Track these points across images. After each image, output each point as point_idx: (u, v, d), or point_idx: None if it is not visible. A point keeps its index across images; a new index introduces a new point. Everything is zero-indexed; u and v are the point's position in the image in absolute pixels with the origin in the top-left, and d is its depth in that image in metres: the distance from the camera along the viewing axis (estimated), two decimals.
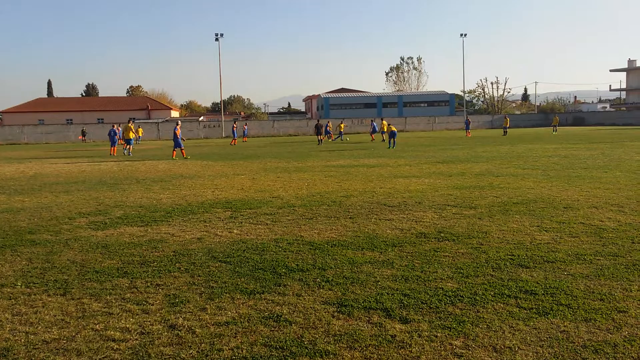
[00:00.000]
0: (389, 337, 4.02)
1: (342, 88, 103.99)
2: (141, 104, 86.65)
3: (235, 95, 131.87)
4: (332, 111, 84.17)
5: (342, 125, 45.23)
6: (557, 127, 51.37)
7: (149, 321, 4.45)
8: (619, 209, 8.87)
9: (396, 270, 5.74)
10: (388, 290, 5.08)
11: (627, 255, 6.08)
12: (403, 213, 9.06)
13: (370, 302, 4.76)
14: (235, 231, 7.94)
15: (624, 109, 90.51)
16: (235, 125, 43.44)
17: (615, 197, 10.15)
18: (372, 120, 46.51)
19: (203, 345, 3.95)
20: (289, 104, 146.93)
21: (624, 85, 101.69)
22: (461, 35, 73.89)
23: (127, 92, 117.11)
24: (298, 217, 8.97)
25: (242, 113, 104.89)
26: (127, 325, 4.36)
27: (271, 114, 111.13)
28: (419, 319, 4.34)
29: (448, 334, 4.03)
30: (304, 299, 4.91)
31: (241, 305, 4.77)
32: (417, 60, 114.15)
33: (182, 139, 25.53)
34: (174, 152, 25.44)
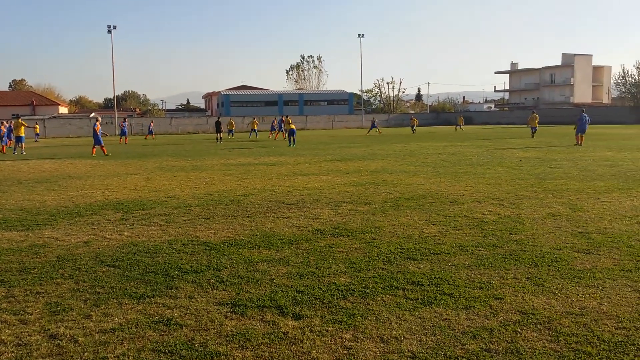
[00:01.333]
0: (281, 334, 4.04)
1: (243, 85, 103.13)
2: (25, 99, 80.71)
3: (130, 91, 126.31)
4: (233, 108, 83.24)
5: (256, 122, 44.99)
6: (462, 126, 54.81)
7: (27, 332, 4.16)
8: (499, 203, 9.53)
9: (291, 267, 5.79)
10: (282, 287, 5.11)
11: (505, 245, 6.55)
12: (301, 210, 9.16)
13: (264, 300, 4.77)
14: (125, 233, 7.62)
15: (507, 109, 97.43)
16: (124, 123, 39.89)
17: (496, 191, 10.90)
18: (276, 118, 46.62)
19: (86, 354, 3.76)
20: (188, 100, 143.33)
21: (507, 87, 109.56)
22: (359, 35, 75.92)
23: (10, 86, 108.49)
24: (194, 217, 8.78)
25: (137, 110, 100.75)
26: (3, 338, 4.05)
27: (169, 110, 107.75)
28: (311, 315, 4.41)
29: (339, 328, 4.13)
30: (197, 300, 4.81)
31: (129, 311, 4.58)
32: (318, 59, 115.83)
33: (103, 134, 24.44)
34: (94, 149, 24.36)
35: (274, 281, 5.32)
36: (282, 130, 40.36)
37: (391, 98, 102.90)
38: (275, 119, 46.11)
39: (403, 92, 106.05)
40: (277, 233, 7.46)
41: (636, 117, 66.87)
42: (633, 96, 71.06)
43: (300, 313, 4.45)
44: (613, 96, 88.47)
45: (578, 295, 4.76)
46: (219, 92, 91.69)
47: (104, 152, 24.18)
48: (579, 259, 5.90)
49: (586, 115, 26.52)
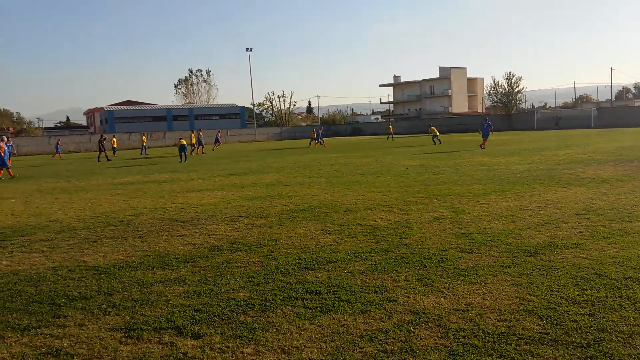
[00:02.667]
0: (180, 355, 3.94)
1: (128, 100, 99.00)
2: None
3: (2, 109, 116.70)
4: (117, 125, 79.67)
5: (191, 137, 42.48)
6: (393, 135, 55.85)
7: None
8: (389, 209, 9.95)
9: (188, 286, 5.66)
10: (180, 307, 4.98)
11: (396, 250, 6.86)
12: (196, 227, 8.97)
13: (160, 322, 4.62)
14: (4, 262, 7.03)
15: (393, 119, 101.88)
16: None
17: (386, 198, 11.37)
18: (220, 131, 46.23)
19: None
20: (68, 117, 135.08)
21: (391, 99, 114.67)
22: (247, 49, 75.97)
23: None
24: (80, 240, 8.29)
25: (10, 128, 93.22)
26: None
27: (47, 129, 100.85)
28: (211, 333, 4.34)
29: (239, 343, 4.10)
30: (88, 328, 4.56)
31: (13, 344, 4.24)
32: (207, 73, 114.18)
33: (13, 153, 21.97)
34: (0, 171, 21.97)
35: (171, 302, 5.17)
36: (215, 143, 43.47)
37: (283, 111, 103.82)
38: (219, 132, 49.96)
39: (294, 105, 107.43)
40: (171, 252, 7.25)
41: (508, 124, 72.74)
42: (504, 105, 77.22)
43: (199, 332, 4.36)
44: (486, 105, 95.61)
45: (464, 292, 5.10)
46: (102, 108, 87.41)
47: (10, 174, 22.21)
48: (463, 258, 6.32)
49: (489, 122, 29.88)
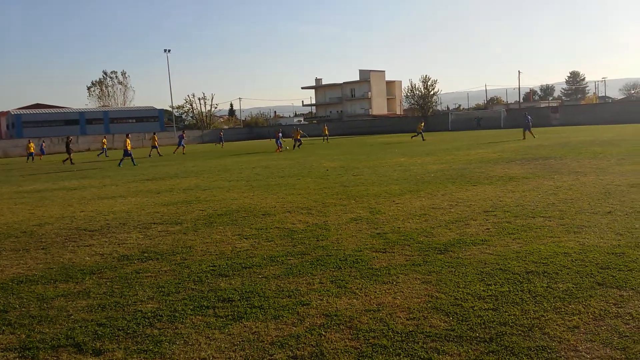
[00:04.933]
0: None
1: (37, 104, 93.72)
2: None
3: None
4: (26, 129, 75.18)
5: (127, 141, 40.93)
6: (328, 137, 55.15)
7: None
8: (308, 212, 9.96)
9: (92, 299, 5.36)
10: (81, 323, 4.70)
11: (312, 252, 6.85)
12: (105, 237, 8.56)
13: (59, 339, 4.33)
14: None
15: (315, 121, 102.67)
16: None
17: (305, 201, 11.38)
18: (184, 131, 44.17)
19: None
20: None
21: (313, 101, 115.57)
22: (165, 50, 74.07)
23: None
24: None
25: None
26: None
27: None
28: (114, 348, 4.11)
29: (144, 357, 3.91)
30: None
31: None
32: (122, 74, 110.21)
33: None
34: None
35: (72, 317, 4.87)
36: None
37: (204, 114, 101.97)
38: (184, 132, 49.69)
39: (215, 108, 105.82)
40: (77, 264, 6.86)
41: (424, 125, 75.23)
42: (421, 107, 79.96)
43: (101, 348, 4.13)
44: (405, 107, 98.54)
45: (376, 292, 5.16)
46: (8, 111, 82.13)
47: None
48: (377, 258, 6.41)
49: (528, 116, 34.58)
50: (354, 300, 4.97)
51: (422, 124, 43.53)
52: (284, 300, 5.04)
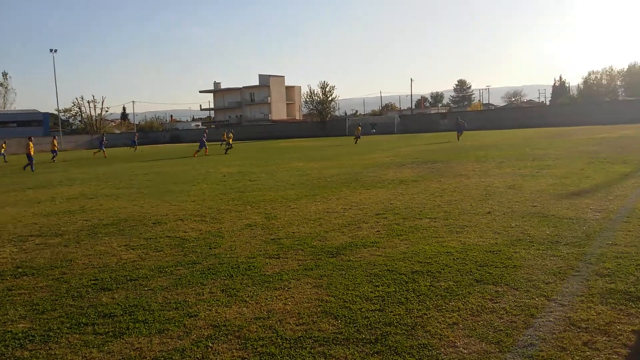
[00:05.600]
0: None
1: None
2: None
3: None
4: None
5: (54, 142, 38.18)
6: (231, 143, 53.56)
7: None
8: (201, 219, 9.70)
9: None
10: None
11: (204, 261, 6.66)
12: None
13: None
14: None
15: (214, 126, 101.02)
16: None
17: (199, 208, 11.09)
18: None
19: None
20: None
21: (212, 105, 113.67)
22: (51, 50, 69.57)
23: None
24: None
25: None
26: None
27: None
28: None
29: None
30: None
31: None
32: (3, 75, 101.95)
33: None
34: None
35: None
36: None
37: (93, 118, 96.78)
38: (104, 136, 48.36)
39: (106, 111, 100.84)
40: None
41: (323, 130, 76.57)
42: (319, 112, 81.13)
43: None
44: (304, 113, 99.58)
45: (267, 299, 5.10)
46: None
47: None
48: (270, 264, 6.36)
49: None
50: (244, 308, 4.88)
51: (360, 128, 45.14)
52: (171, 312, 4.84)
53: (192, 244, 7.65)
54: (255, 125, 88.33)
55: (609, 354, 3.65)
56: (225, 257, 6.81)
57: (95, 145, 72.41)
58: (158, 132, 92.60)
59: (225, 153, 35.98)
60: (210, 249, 7.33)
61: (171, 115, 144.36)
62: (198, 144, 36.88)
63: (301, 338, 4.13)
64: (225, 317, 4.67)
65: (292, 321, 4.49)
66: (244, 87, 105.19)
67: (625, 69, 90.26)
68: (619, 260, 5.71)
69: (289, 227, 8.58)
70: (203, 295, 5.32)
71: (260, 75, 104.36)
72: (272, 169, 20.38)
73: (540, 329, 4.08)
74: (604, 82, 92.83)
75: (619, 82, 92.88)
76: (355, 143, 41.14)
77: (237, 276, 5.92)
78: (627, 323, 4.11)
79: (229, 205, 11.33)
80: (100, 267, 6.62)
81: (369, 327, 4.26)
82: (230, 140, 37.94)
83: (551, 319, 4.26)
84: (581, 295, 4.75)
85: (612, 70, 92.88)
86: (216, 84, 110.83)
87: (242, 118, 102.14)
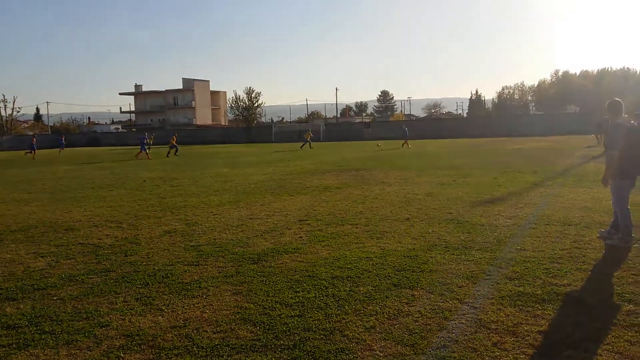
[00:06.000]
0: None
1: None
2: None
3: None
4: None
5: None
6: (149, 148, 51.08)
7: None
8: (117, 225, 9.33)
9: None
10: None
11: (118, 269, 6.40)
12: None
13: None
14: None
15: (134, 130, 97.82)
16: None
17: (116, 214, 10.67)
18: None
19: None
20: None
21: (133, 108, 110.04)
22: None
23: None
24: None
25: None
26: None
27: None
28: None
29: None
30: None
31: None
32: None
33: None
34: None
35: None
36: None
37: (4, 118, 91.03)
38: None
39: (18, 112, 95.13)
40: None
41: (248, 137, 76.07)
42: (245, 118, 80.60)
43: None
44: (229, 118, 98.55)
45: (184, 307, 4.97)
46: None
47: None
48: (189, 271, 6.20)
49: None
50: (160, 317, 4.73)
51: (310, 134, 44.85)
52: (81, 323, 4.61)
53: (106, 251, 7.34)
54: (179, 129, 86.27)
55: (516, 354, 3.83)
56: (141, 264, 6.58)
57: (5, 148, 68.19)
58: (75, 134, 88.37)
59: (175, 154, 36.22)
60: (125, 256, 7.06)
61: (89, 118, 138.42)
62: (126, 147, 35.81)
63: (218, 346, 4.05)
64: (139, 326, 4.50)
65: (209, 329, 4.40)
66: (167, 91, 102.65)
67: (535, 85, 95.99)
68: (527, 264, 6.03)
69: (210, 233, 8.43)
70: (116, 304, 5.10)
71: (184, 79, 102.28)
72: (195, 175, 19.97)
73: (453, 331, 4.22)
74: (516, 96, 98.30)
75: (530, 97, 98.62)
76: (310, 148, 42.24)
77: (153, 284, 5.73)
78: (534, 324, 4.34)
79: (147, 211, 10.98)
80: (5, 276, 6.20)
81: (288, 333, 4.25)
82: (174, 141, 37.91)
83: (463, 321, 4.42)
84: (492, 298, 4.97)
85: (523, 85, 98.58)
86: (137, 87, 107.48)
87: (166, 122, 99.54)
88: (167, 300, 5.19)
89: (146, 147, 36.00)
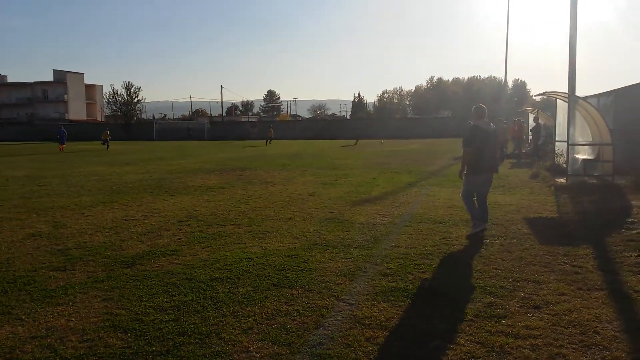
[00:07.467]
0: None
1: None
2: None
3: None
4: None
5: None
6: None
7: None
8: None
9: None
10: None
11: None
12: None
13: None
14: None
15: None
16: None
17: None
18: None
19: None
20: None
21: None
22: None
23: None
24: None
25: None
26: None
27: None
28: None
29: None
30: None
31: None
32: None
33: None
34: None
35: None
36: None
37: None
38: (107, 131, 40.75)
39: None
40: None
41: (127, 133, 72.55)
42: (124, 114, 76.63)
43: None
44: (106, 114, 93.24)
45: (47, 316, 4.60)
46: None
47: None
48: (54, 277, 5.77)
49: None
50: (19, 327, 4.33)
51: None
52: None
53: None
54: (49, 125, 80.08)
55: (387, 347, 3.99)
56: (0, 271, 6.01)
57: None
58: None
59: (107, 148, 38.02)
60: None
61: None
62: None
63: (83, 355, 3.80)
64: None
65: (74, 338, 4.11)
66: (35, 83, 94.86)
67: (412, 90, 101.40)
68: (400, 260, 6.32)
69: (80, 236, 7.91)
70: None
71: (55, 71, 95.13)
72: (65, 173, 18.66)
73: (329, 328, 4.31)
74: (395, 100, 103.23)
75: (407, 102, 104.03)
76: (269, 143, 43.59)
77: (12, 292, 5.26)
78: (405, 318, 4.55)
79: (9, 213, 10.07)
80: None
81: (161, 339, 4.08)
82: (107, 137, 39.34)
83: (339, 318, 4.52)
84: (367, 294, 5.14)
85: (401, 90, 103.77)
86: (2, 77, 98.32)
87: (34, 117, 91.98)
88: (28, 308, 4.77)
89: (103, 143, 38.45)
